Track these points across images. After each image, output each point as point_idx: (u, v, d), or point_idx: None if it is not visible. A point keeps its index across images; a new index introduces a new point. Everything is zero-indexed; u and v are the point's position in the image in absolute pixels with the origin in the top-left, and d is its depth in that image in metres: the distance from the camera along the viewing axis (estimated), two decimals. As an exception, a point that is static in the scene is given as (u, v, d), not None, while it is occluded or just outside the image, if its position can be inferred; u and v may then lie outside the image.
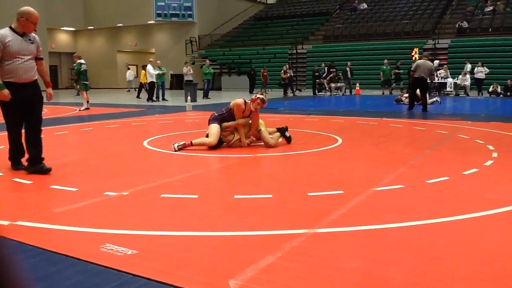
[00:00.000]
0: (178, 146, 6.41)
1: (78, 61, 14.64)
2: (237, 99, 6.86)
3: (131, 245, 2.88)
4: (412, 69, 13.01)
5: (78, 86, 14.94)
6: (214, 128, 6.61)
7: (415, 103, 13.34)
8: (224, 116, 6.82)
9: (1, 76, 4.80)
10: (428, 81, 12.96)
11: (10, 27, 4.95)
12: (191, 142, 6.51)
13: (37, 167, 4.98)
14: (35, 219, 3.44)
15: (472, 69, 20.77)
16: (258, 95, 6.99)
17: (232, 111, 6.80)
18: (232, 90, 27.20)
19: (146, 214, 3.62)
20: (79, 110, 14.26)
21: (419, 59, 22.70)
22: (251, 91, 25.04)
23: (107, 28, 35.85)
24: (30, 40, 5.01)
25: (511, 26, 23.58)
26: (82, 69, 14.56)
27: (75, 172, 5.29)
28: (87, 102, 14.52)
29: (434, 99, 15.82)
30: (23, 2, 30.44)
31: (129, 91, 28.56)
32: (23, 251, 2.83)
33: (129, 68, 30.70)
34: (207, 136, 6.67)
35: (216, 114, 6.87)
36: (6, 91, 4.77)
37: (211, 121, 6.80)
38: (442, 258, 2.68)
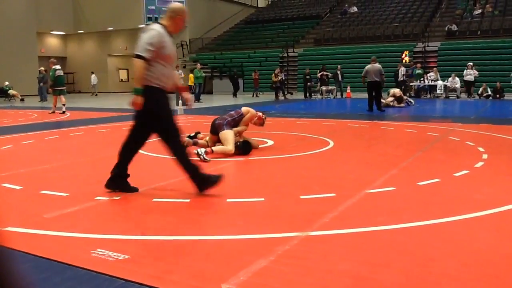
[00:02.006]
0: (203, 153, 5.97)
1: (53, 67, 14.77)
2: (248, 107, 7.04)
3: (123, 250, 2.86)
4: (362, 74, 14.00)
5: (51, 93, 15.03)
6: (230, 134, 6.40)
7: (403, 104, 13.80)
8: (236, 120, 6.75)
9: (146, 79, 4.08)
10: (377, 80, 13.55)
11: (160, 24, 4.21)
12: (211, 149, 6.17)
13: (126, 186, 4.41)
14: (25, 225, 3.40)
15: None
16: (263, 117, 7.18)
17: (242, 117, 6.81)
18: (224, 93, 27.17)
19: (138, 218, 3.60)
20: (49, 113, 14.58)
21: (409, 62, 23.09)
22: (234, 95, 25.00)
23: (97, 32, 35.70)
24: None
25: (500, 29, 23.86)
26: (57, 74, 14.73)
27: (65, 176, 5.25)
28: (60, 107, 14.70)
29: (409, 99, 16.54)
30: (12, 5, 30.15)
31: (96, 95, 29.44)
32: (13, 257, 2.80)
33: (93, 73, 31.41)
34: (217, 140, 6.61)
35: (229, 119, 6.64)
36: (140, 99, 4.06)
37: (224, 126, 6.52)
38: (433, 259, 2.70)
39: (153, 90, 4.10)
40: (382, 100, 15.79)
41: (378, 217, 3.51)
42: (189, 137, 7.10)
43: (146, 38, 4.06)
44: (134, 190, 4.37)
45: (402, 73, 21.64)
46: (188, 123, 11.37)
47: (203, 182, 4.21)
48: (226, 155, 6.22)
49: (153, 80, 4.09)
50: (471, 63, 20.67)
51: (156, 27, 4.14)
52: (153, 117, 4.20)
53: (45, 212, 3.74)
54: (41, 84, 21.95)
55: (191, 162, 4.25)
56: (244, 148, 6.45)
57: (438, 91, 21.45)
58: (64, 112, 14.54)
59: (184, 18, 4.28)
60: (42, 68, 22.52)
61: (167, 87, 4.22)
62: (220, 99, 22.42)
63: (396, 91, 16.35)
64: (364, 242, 3.00)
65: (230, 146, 6.28)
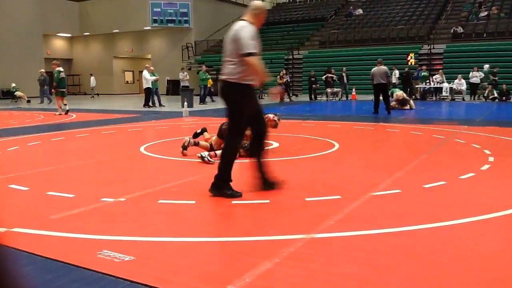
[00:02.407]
0: (207, 156, 5.98)
1: (57, 68, 14.93)
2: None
3: (128, 251, 2.87)
4: (371, 77, 14.07)
5: (53, 94, 15.24)
6: None
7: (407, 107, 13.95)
8: None
9: (240, 77, 4.14)
10: (383, 82, 13.61)
11: (246, 21, 4.27)
12: (215, 153, 6.14)
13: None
14: (32, 226, 3.42)
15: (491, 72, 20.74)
16: (276, 118, 7.09)
17: None
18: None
19: (143, 220, 3.61)
20: (55, 114, 14.78)
21: (414, 64, 23.03)
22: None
23: (103, 34, 35.86)
24: None
25: (505, 31, 23.76)
26: (61, 76, 14.97)
27: (71, 178, 5.27)
28: (62, 107, 15.01)
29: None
30: (19, 7, 30.34)
31: (93, 97, 29.83)
32: (19, 258, 2.82)
33: (92, 75, 31.69)
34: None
35: None
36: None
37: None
38: (439, 263, 2.69)
39: (243, 87, 4.18)
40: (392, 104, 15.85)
41: (383, 220, 3.50)
42: (195, 134, 7.12)
43: (247, 35, 4.09)
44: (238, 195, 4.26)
45: (396, 75, 21.82)
46: (194, 125, 11.39)
47: (222, 188, 4.26)
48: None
49: (245, 77, 4.15)
50: (488, 66, 20.65)
51: (248, 24, 4.20)
52: (234, 110, 4.26)
53: (52, 213, 3.76)
54: (45, 87, 22.08)
55: (229, 167, 4.31)
56: (251, 148, 6.41)
57: (444, 94, 21.38)
58: (67, 112, 14.87)
59: (265, 15, 4.45)
60: (43, 70, 22.60)
61: (255, 84, 4.29)
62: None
63: (399, 93, 16.31)
64: (369, 245, 3.00)
65: None
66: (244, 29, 4.12)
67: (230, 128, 4.36)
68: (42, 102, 22.22)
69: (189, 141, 6.69)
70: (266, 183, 4.44)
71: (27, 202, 4.24)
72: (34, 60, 29.63)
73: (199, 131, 7.26)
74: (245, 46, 4.06)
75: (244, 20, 4.28)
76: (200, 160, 5.98)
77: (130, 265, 2.69)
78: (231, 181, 4.30)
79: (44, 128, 11.01)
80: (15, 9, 29.00)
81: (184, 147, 6.61)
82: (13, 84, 24.30)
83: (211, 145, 6.72)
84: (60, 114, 14.72)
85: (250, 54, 4.05)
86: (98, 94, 30.81)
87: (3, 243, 0.92)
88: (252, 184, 4.43)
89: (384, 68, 13.74)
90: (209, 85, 22.25)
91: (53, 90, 15.18)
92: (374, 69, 13.85)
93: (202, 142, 6.84)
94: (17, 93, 23.44)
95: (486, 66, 20.75)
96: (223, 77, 4.29)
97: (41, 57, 31.14)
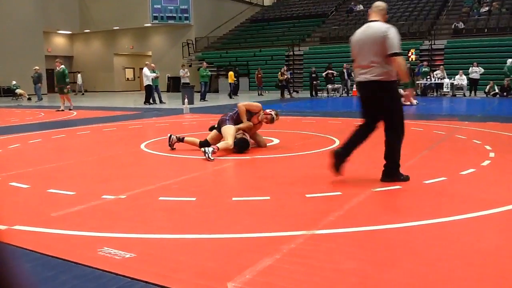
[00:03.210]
0: (210, 152, 5.95)
1: (62, 66, 15.75)
2: (247, 102, 6.95)
3: (129, 249, 2.88)
4: None
5: (66, 90, 15.81)
6: (231, 129, 6.42)
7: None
8: (238, 116, 6.75)
9: (388, 74, 4.40)
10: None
11: (380, 21, 4.50)
12: (217, 147, 6.15)
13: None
14: (33, 223, 3.43)
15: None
16: (273, 113, 6.88)
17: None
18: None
19: (144, 217, 3.61)
20: (64, 110, 15.43)
21: (415, 60, 22.97)
22: (230, 95, 24.83)
23: (104, 31, 35.82)
24: None
25: (506, 27, 23.69)
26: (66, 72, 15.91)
27: (72, 175, 5.27)
28: (66, 104, 15.83)
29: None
30: (19, 4, 30.37)
31: (76, 94, 30.05)
32: (20, 255, 2.82)
33: (79, 72, 32.11)
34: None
35: (231, 114, 6.75)
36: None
37: (227, 121, 6.57)
38: (439, 259, 2.69)
39: (393, 84, 4.47)
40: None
41: (384, 216, 3.50)
42: (177, 138, 6.82)
43: (394, 35, 4.34)
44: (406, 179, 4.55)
45: (347, 73, 22.20)
46: (194, 121, 11.39)
47: (393, 175, 4.53)
48: (228, 151, 6.23)
49: (392, 75, 4.42)
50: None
51: (388, 25, 4.43)
52: (392, 107, 4.52)
53: (52, 211, 3.76)
54: (39, 84, 22.09)
55: (398, 155, 4.56)
56: (238, 144, 6.36)
57: (445, 89, 21.34)
58: (70, 109, 15.70)
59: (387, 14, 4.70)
60: (37, 67, 22.59)
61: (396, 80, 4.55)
62: (225, 98, 22.44)
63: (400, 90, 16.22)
64: (370, 241, 3.00)
65: (229, 141, 6.29)
66: (390, 30, 4.36)
67: (391, 124, 4.54)
68: (41, 99, 22.21)
69: (172, 137, 6.74)
70: (392, 174, 4.57)
71: (28, 200, 4.24)
72: (35, 57, 29.60)
73: (181, 137, 6.91)
74: (394, 46, 4.31)
75: (376, 20, 4.53)
76: (204, 156, 5.95)
77: (130, 262, 2.69)
78: (399, 166, 4.57)
79: (45, 126, 11.01)
80: (15, 6, 28.96)
81: (171, 145, 6.74)
82: (14, 82, 24.30)
83: (205, 140, 6.61)
84: (70, 110, 15.52)
85: (397, 54, 4.32)
86: (83, 93, 30.79)
87: (2, 240, 0.92)
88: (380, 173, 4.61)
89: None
90: (231, 81, 22.92)
91: (68, 87, 15.83)
92: None
93: (188, 138, 6.78)
94: (18, 91, 23.45)
95: (510, 61, 20.26)
96: (370, 78, 4.46)
97: (41, 55, 31.12)
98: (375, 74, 4.41)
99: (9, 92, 25.52)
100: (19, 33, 29.14)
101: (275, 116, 6.89)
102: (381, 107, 4.54)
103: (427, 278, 2.45)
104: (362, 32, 4.59)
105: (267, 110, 6.93)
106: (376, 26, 4.45)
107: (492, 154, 5.97)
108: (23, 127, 10.63)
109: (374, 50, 4.38)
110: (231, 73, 24.08)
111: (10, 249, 0.92)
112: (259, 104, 6.91)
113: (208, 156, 5.88)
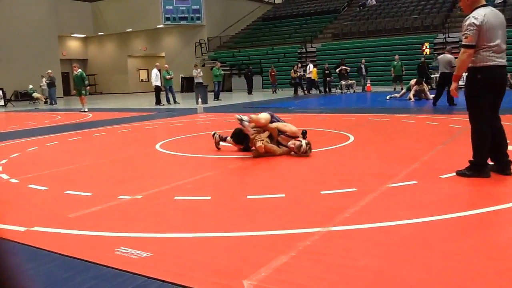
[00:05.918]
0: (246, 120, 5.98)
1: (79, 70, 16.68)
2: (260, 114, 6.40)
3: (145, 248, 2.90)
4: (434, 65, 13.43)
5: (85, 91, 16.60)
6: (264, 115, 6.30)
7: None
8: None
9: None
10: (447, 71, 12.70)
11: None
12: (251, 117, 6.17)
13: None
14: (51, 225, 3.48)
15: None
16: (304, 142, 5.97)
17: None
18: (243, 91, 27.21)
19: (160, 216, 3.64)
20: (85, 111, 16.17)
21: (430, 53, 22.71)
22: (249, 92, 24.91)
23: (117, 34, 36.17)
24: None
25: (523, 17, 23.25)
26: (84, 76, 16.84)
27: (89, 177, 5.34)
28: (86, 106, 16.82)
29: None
30: (34, 10, 30.77)
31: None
32: (39, 257, 2.87)
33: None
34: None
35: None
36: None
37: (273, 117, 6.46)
38: (457, 254, 2.66)
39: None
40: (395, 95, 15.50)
41: (399, 212, 3.47)
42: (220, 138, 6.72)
43: None
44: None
45: (326, 71, 22.31)
46: (208, 121, 11.43)
47: (503, 166, 4.47)
48: (259, 125, 6.18)
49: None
50: None
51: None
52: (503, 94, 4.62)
53: (70, 212, 3.82)
54: (53, 88, 22.34)
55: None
56: (236, 135, 6.35)
57: (461, 82, 21.02)
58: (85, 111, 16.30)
59: None
60: (50, 71, 22.88)
61: None
62: (239, 97, 22.47)
63: (412, 83, 16.03)
64: (385, 237, 2.98)
65: (262, 120, 6.20)
66: None
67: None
68: (55, 103, 22.46)
69: (216, 136, 6.67)
70: (501, 165, 4.54)
71: (46, 201, 4.31)
72: (50, 61, 30.03)
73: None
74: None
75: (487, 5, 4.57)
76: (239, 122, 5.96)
77: (147, 262, 2.71)
78: (487, 165, 4.48)
79: (61, 128, 11.16)
80: (30, 12, 29.39)
81: (217, 144, 6.67)
82: (31, 86, 24.67)
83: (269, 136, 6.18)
84: (85, 111, 16.08)
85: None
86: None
87: (1, 236, 0.95)
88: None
89: (449, 56, 12.96)
90: (314, 77, 22.73)
91: (87, 88, 16.78)
92: (440, 56, 13.39)
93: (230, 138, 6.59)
94: (35, 95, 23.82)
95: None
96: (505, 63, 4.54)
97: (57, 59, 31.56)
98: (505, 60, 4.52)
99: (26, 96, 25.93)
100: (35, 39, 29.59)
101: (305, 146, 5.91)
102: (504, 92, 4.60)
103: (444, 274, 2.42)
104: (496, 16, 4.55)
105: (298, 138, 6.14)
106: (494, 10, 4.59)
107: (510, 147, 5.87)
108: (40, 130, 10.78)
109: (504, 35, 4.54)
110: (314, 69, 23.09)
111: (7, 246, 0.94)
112: (267, 117, 6.32)
113: (244, 124, 5.95)
